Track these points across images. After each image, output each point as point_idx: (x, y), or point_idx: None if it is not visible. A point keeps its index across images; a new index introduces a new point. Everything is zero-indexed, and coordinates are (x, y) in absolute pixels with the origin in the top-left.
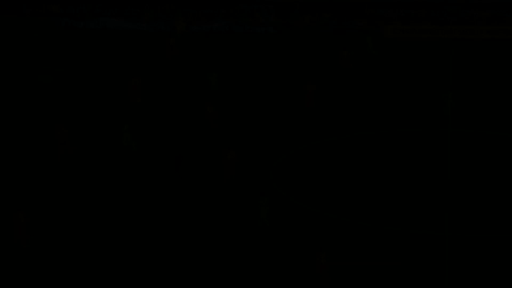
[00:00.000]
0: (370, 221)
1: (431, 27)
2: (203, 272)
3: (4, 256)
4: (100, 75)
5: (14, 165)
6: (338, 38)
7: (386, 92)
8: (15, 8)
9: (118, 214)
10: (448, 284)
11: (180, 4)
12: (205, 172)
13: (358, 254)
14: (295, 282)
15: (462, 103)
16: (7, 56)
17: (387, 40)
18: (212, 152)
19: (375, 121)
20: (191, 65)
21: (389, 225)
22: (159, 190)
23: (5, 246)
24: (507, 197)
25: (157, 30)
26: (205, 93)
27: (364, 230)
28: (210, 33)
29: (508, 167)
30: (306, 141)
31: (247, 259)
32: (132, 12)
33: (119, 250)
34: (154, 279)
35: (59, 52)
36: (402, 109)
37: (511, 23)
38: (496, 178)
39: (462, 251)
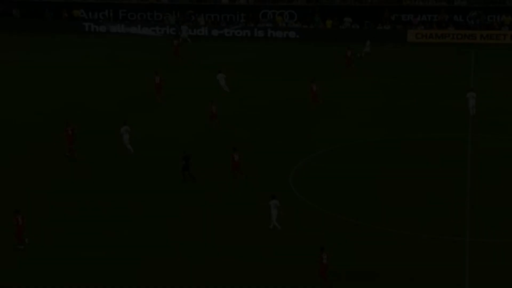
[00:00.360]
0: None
1: (453, 32)
2: (207, 270)
3: (4, 256)
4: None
5: (15, 165)
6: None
7: (408, 96)
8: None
9: (122, 214)
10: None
11: (202, 10)
12: (212, 173)
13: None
14: (296, 281)
15: (482, 107)
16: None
17: (409, 44)
18: (219, 153)
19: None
20: (206, 67)
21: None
22: (164, 189)
23: (5, 246)
24: None
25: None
26: (215, 94)
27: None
28: (231, 37)
29: None
30: (313, 143)
31: (250, 258)
32: (154, 17)
33: (122, 250)
34: (159, 278)
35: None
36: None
37: None
38: None
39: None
